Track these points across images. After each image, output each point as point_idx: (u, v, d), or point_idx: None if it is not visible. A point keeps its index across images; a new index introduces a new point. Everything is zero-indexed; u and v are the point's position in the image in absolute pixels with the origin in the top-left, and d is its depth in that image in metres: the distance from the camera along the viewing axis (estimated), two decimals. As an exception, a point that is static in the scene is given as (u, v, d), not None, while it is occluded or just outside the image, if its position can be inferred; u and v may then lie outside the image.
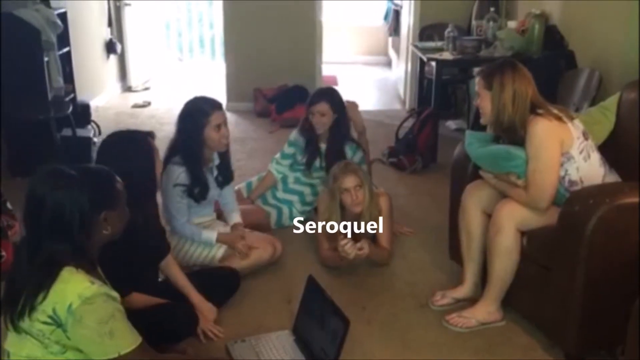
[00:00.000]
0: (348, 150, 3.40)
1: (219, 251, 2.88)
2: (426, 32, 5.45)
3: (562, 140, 2.33)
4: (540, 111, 2.35)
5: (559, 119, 2.34)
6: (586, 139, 2.38)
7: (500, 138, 2.52)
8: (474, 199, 2.61)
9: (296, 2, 5.70)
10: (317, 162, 3.44)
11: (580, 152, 2.35)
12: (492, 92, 2.39)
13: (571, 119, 2.39)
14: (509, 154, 2.41)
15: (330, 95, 3.39)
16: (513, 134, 2.40)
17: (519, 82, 2.37)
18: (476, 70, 2.57)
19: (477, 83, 2.49)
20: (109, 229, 1.74)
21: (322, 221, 3.02)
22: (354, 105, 3.63)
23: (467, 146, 2.64)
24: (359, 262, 2.94)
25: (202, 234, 2.85)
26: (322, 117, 3.33)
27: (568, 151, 2.34)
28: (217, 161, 2.96)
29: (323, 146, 3.42)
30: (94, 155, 4.29)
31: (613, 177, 2.43)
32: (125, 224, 1.82)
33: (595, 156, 2.40)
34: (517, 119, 2.36)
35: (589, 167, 2.37)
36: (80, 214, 1.64)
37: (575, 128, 2.36)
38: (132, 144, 2.27)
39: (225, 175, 3.00)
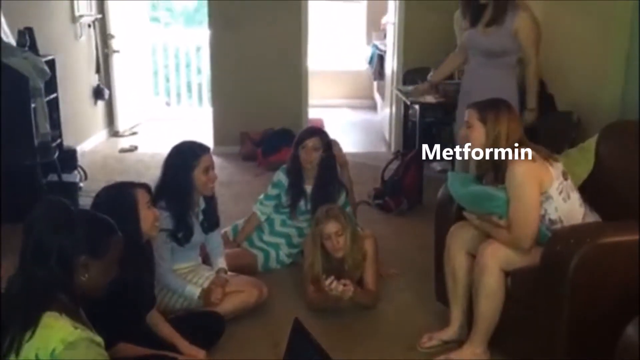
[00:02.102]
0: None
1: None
2: (409, 76, 5.55)
3: (541, 181, 2.37)
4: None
5: (538, 159, 2.39)
6: (565, 179, 2.43)
7: (483, 178, 2.56)
8: (458, 240, 2.63)
9: (282, 47, 5.81)
10: (302, 205, 3.46)
11: (560, 193, 2.39)
12: (487, 126, 2.44)
13: (553, 160, 2.44)
14: (490, 195, 2.45)
15: (321, 133, 3.46)
16: (499, 169, 2.44)
17: (513, 120, 2.45)
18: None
19: (468, 114, 2.53)
20: (87, 276, 1.73)
21: (307, 264, 3.03)
22: (333, 142, 3.69)
23: (449, 186, 2.68)
24: (345, 306, 2.93)
25: (186, 288, 2.81)
26: (314, 152, 3.35)
27: (547, 191, 2.38)
28: (202, 206, 2.97)
29: (308, 188, 3.44)
30: (80, 200, 4.32)
31: (593, 217, 2.47)
32: (108, 281, 1.82)
33: (575, 196, 2.44)
34: (505, 155, 2.41)
35: (569, 207, 2.41)
36: (58, 246, 1.68)
37: (554, 169, 2.41)
38: (116, 199, 2.29)
39: (211, 221, 3.00)
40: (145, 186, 2.38)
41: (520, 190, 2.36)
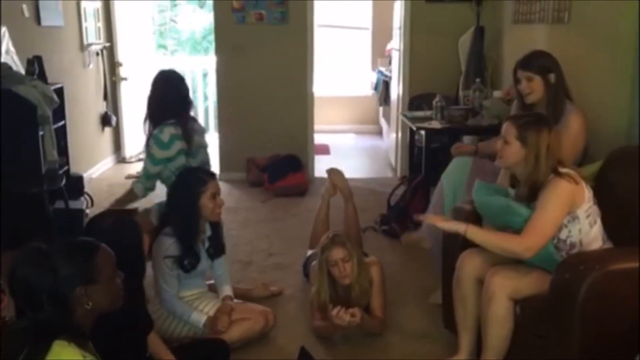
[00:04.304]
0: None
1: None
2: (415, 101, 5.58)
3: (574, 201, 2.35)
4: (562, 171, 2.37)
5: (580, 183, 2.36)
6: (594, 204, 2.41)
7: (511, 191, 2.53)
8: (468, 267, 2.60)
9: (288, 73, 5.86)
10: None
11: (587, 216, 2.38)
12: (528, 147, 2.38)
13: (585, 180, 2.42)
14: (513, 209, 2.40)
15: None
16: (534, 188, 2.39)
17: (553, 139, 2.39)
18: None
19: (505, 127, 2.46)
20: (90, 303, 1.71)
21: (313, 292, 3.01)
22: (335, 170, 3.67)
23: (474, 192, 2.63)
24: (352, 333, 2.91)
25: (191, 315, 2.80)
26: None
27: (574, 211, 2.35)
28: (208, 232, 2.97)
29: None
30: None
31: (609, 245, 2.44)
32: (116, 297, 1.81)
33: (599, 223, 2.43)
34: (545, 176, 2.37)
35: (593, 233, 2.40)
36: (47, 291, 1.65)
37: (588, 190, 2.40)
38: (120, 227, 2.25)
39: (217, 247, 2.99)
40: (133, 211, 2.38)
41: (553, 203, 2.32)
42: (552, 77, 2.97)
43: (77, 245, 1.81)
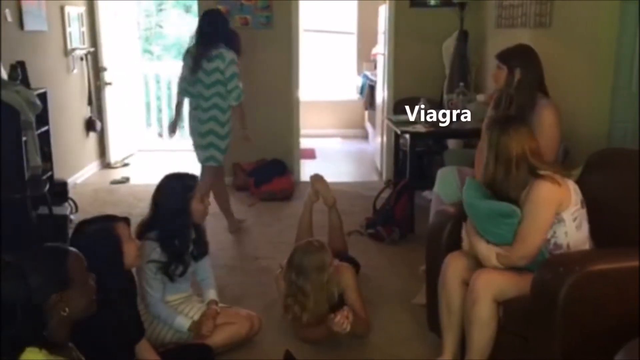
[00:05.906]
0: None
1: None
2: (400, 105, 5.61)
3: (560, 203, 2.37)
4: (543, 173, 2.39)
5: (563, 184, 2.39)
6: (582, 207, 2.44)
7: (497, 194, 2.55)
8: (454, 270, 2.62)
9: (274, 78, 5.87)
10: None
11: (574, 220, 2.40)
12: (495, 153, 2.43)
13: (570, 178, 2.45)
14: (513, 211, 2.40)
15: None
16: (508, 188, 2.43)
17: (509, 143, 2.41)
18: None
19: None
20: (67, 309, 1.69)
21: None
22: (317, 177, 3.68)
23: (464, 191, 2.63)
24: (339, 337, 2.90)
25: (175, 319, 2.78)
26: None
27: (560, 213, 2.38)
28: (193, 235, 2.95)
29: None
30: (70, 233, 4.29)
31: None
32: (93, 296, 1.79)
33: (586, 227, 2.45)
34: (520, 180, 2.40)
35: (580, 237, 2.42)
36: (20, 301, 1.62)
37: (575, 194, 2.42)
38: (98, 236, 2.24)
39: (200, 249, 2.97)
40: (123, 219, 2.36)
41: (538, 209, 2.36)
42: (517, 72, 3.02)
43: (47, 252, 1.77)
